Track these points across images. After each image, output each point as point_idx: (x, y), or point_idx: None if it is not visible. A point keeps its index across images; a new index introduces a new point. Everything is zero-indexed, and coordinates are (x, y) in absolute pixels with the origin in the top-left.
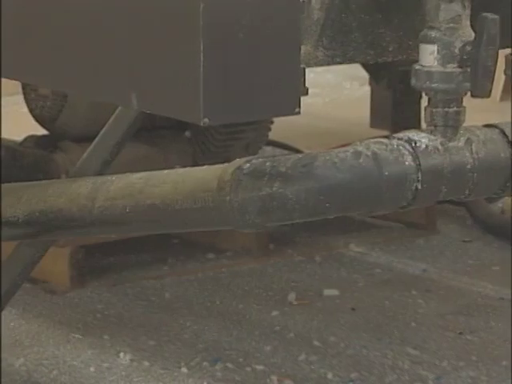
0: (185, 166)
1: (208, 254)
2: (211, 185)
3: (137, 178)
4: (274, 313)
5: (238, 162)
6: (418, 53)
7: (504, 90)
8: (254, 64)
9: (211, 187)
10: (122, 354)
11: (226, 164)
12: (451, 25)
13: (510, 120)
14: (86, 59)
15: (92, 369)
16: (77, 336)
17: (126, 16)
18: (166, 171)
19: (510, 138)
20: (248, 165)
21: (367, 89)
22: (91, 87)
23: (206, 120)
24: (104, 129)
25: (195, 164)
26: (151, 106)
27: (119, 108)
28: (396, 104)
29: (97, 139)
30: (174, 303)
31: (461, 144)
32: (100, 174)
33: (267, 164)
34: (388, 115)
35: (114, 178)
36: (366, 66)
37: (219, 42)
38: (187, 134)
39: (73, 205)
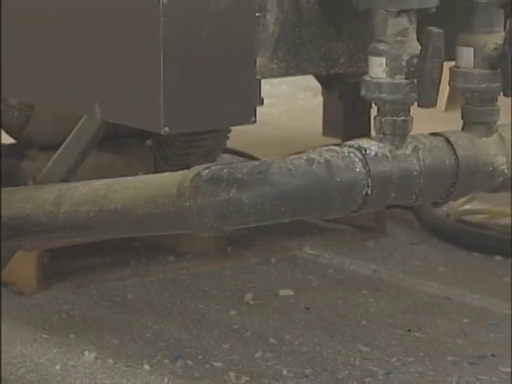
0: (147, 173)
1: (169, 257)
2: (171, 190)
3: (100, 185)
4: (232, 312)
5: (197, 168)
6: (367, 65)
7: (449, 101)
8: (212, 75)
9: (171, 193)
10: (86, 353)
11: (185, 171)
12: (398, 38)
13: (454, 129)
14: (52, 71)
15: (58, 367)
16: (43, 335)
17: (89, 29)
18: (128, 178)
19: (454, 145)
20: (206, 171)
21: (320, 99)
22: (57, 98)
23: (167, 129)
24: (69, 137)
25: (157, 171)
26: (114, 116)
27: (84, 117)
28: (347, 113)
29: (62, 147)
30: (136, 304)
31: (408, 151)
32: (65, 180)
33: (225, 171)
34: (340, 124)
35: (78, 185)
36: (318, 78)
37: (179, 53)
38: (149, 142)
39: (39, 210)
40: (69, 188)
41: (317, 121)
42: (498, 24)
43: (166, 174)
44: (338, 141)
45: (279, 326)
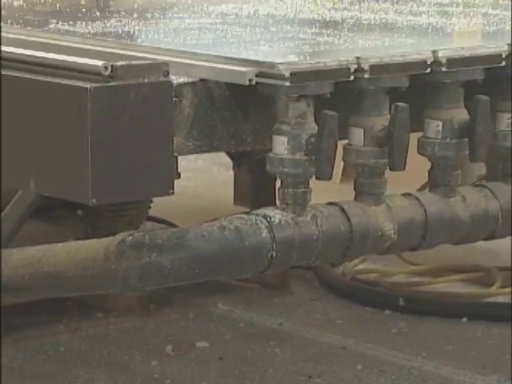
0: (78, 240)
1: (98, 314)
2: (99, 255)
3: (35, 250)
4: (154, 363)
5: (122, 235)
6: (271, 143)
7: (343, 174)
8: (134, 153)
9: (99, 257)
10: None
11: (112, 237)
12: (298, 120)
13: (348, 199)
14: None
15: None
16: None
17: (24, 113)
18: (61, 244)
19: (348, 214)
20: (130, 238)
21: (231, 173)
22: None
23: (94, 200)
24: (7, 208)
25: (87, 238)
26: (47, 189)
27: (20, 191)
28: (255, 185)
29: (1, 217)
30: (68, 356)
31: (308, 219)
32: (6, 247)
33: (147, 237)
34: (249, 194)
35: (15, 251)
36: (229, 154)
37: (104, 134)
38: (79, 212)
39: None
40: (8, 254)
41: (229, 192)
42: (384, 108)
43: (95, 240)
44: (247, 209)
45: (196, 374)
